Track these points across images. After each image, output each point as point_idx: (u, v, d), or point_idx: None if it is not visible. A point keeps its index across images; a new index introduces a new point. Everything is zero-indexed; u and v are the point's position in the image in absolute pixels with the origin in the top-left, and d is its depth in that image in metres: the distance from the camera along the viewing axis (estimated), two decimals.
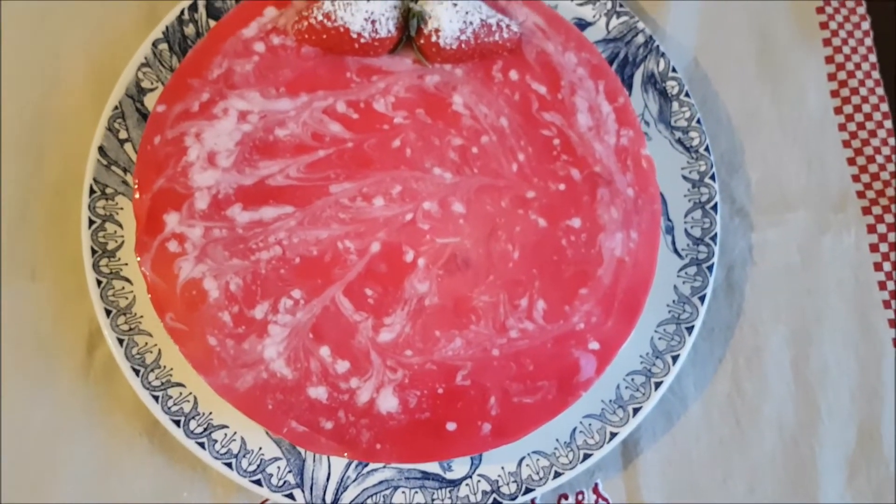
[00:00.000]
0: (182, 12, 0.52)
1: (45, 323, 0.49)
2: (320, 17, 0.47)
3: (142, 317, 0.47)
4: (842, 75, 0.55)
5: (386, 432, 0.42)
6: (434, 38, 0.47)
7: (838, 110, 0.55)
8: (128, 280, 0.47)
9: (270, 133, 0.46)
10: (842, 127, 0.54)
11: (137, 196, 0.45)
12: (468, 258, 0.45)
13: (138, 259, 0.44)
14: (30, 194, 0.51)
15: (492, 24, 0.47)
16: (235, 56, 0.48)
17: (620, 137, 0.48)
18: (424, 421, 0.43)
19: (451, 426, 0.43)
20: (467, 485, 0.45)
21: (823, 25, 0.56)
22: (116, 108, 0.50)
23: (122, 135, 0.50)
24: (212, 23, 0.52)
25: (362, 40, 0.47)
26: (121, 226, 0.48)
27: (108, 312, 0.47)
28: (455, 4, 0.47)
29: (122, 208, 0.49)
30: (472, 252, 0.45)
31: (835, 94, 0.55)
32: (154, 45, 0.51)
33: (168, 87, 0.47)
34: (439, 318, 0.44)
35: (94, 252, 0.48)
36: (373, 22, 0.47)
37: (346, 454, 0.43)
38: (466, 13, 0.47)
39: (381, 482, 0.45)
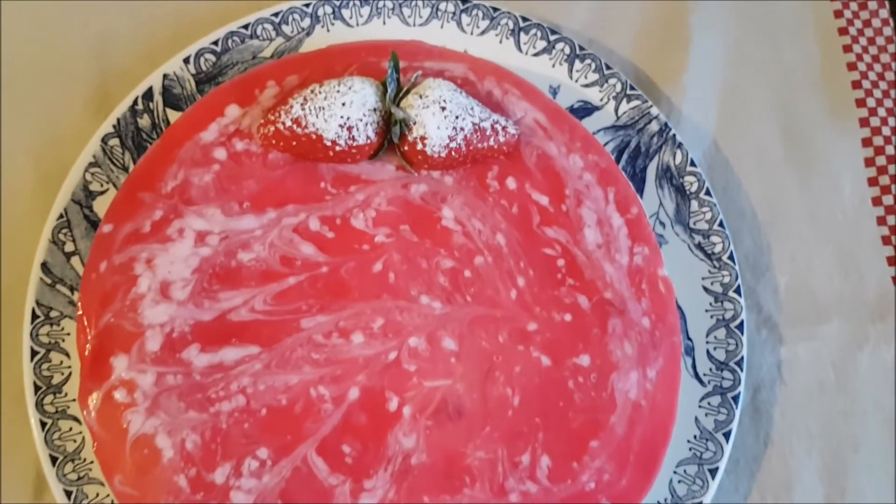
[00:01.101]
0: (136, 101, 0.46)
1: None
2: (289, 123, 0.41)
3: (91, 463, 0.41)
4: (881, 160, 0.49)
5: None
6: (420, 146, 0.41)
7: (877, 201, 0.49)
8: (76, 419, 0.42)
9: (233, 257, 0.40)
10: (881, 221, 0.49)
11: (82, 334, 0.40)
12: (461, 405, 0.39)
13: (83, 410, 0.39)
14: None
15: (486, 127, 0.41)
16: (193, 165, 0.42)
17: (634, 256, 0.42)
18: None
19: None
20: None
21: (860, 103, 0.50)
22: (61, 216, 0.44)
23: (69, 247, 0.44)
24: (170, 113, 0.46)
25: (337, 148, 0.41)
26: (67, 355, 0.42)
27: (53, 460, 0.41)
28: (443, 108, 0.40)
29: (68, 334, 0.43)
30: (466, 398, 0.39)
31: (873, 181, 0.49)
32: (104, 140, 0.45)
33: (115, 203, 0.41)
34: (428, 479, 0.38)
35: (37, 388, 0.42)
36: (349, 128, 0.41)
37: None
38: (456, 117, 0.41)
39: None
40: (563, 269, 0.41)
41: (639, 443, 0.39)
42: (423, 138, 0.41)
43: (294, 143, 0.41)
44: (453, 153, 0.41)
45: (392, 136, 0.41)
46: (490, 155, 0.42)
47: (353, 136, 0.41)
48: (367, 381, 0.39)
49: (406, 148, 0.41)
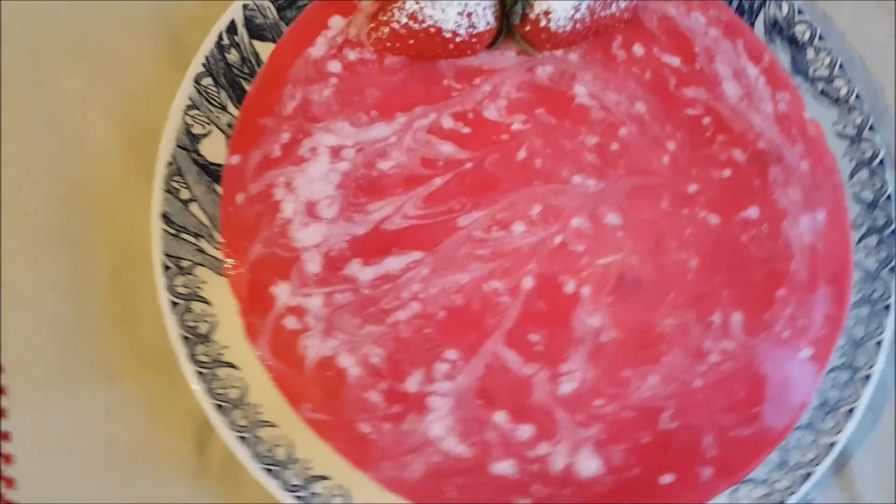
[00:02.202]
0: (220, 37, 0.43)
1: (137, 430, 0.42)
2: (404, 20, 0.39)
3: (260, 406, 0.39)
4: None
5: (591, 498, 0.36)
6: (543, 23, 0.39)
7: None
8: (232, 366, 0.40)
9: (373, 168, 0.39)
10: None
11: (232, 270, 0.38)
12: (638, 277, 0.38)
13: (254, 346, 0.37)
14: (84, 289, 0.43)
15: None
16: (308, 82, 0.40)
17: (777, 103, 0.41)
18: (634, 478, 0.36)
19: (666, 479, 0.36)
20: None
21: None
22: (170, 163, 0.41)
23: (184, 194, 0.41)
24: (256, 44, 0.44)
25: (458, 39, 0.39)
26: (208, 303, 0.40)
27: (219, 408, 0.39)
28: None
29: (204, 282, 0.40)
30: (642, 269, 0.38)
31: None
32: (197, 81, 0.43)
33: (237, 133, 0.39)
34: (624, 354, 0.37)
35: (185, 339, 0.40)
36: (468, 15, 0.39)
37: None
38: None
39: None
40: (710, 127, 0.40)
41: (823, 284, 0.38)
42: (546, 13, 0.39)
43: (411, 42, 0.39)
44: (577, 25, 0.40)
45: (513, 18, 0.40)
46: (611, 24, 0.41)
47: (473, 24, 0.39)
48: (538, 268, 0.38)
49: (528, 28, 0.40)
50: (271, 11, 0.44)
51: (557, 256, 0.38)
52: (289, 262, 0.37)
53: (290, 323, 0.37)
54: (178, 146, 0.42)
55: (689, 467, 0.36)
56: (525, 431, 0.36)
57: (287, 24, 0.44)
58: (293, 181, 0.38)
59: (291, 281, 0.37)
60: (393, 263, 0.37)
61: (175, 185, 0.41)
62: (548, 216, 0.38)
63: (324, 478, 0.39)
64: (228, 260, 0.38)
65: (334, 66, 0.40)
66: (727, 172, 0.39)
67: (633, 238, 0.38)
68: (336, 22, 0.40)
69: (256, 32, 0.44)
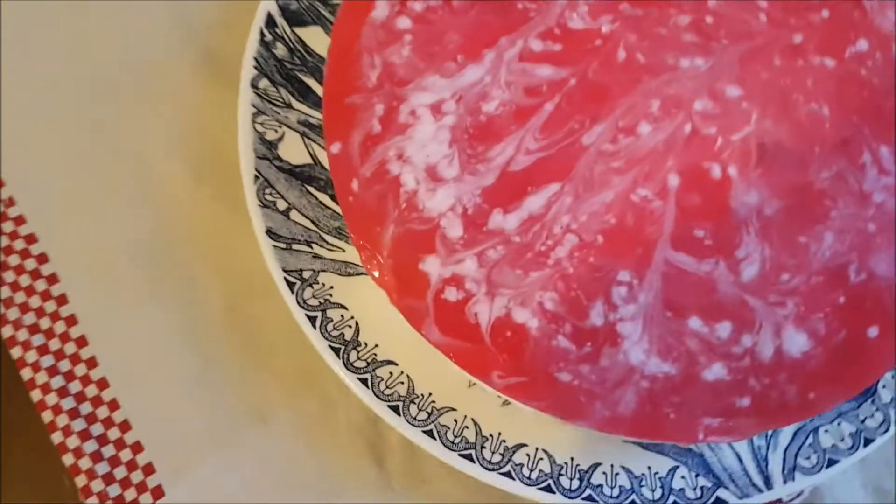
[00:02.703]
0: (262, 34, 0.41)
1: (306, 462, 0.40)
2: None
3: (430, 396, 0.37)
4: None
5: (810, 375, 0.34)
6: None
7: None
8: (391, 362, 0.38)
9: (478, 113, 0.36)
10: None
11: (371, 262, 0.35)
12: (778, 141, 0.37)
13: (421, 332, 0.35)
14: (202, 331, 0.41)
15: None
16: (383, 46, 0.37)
17: None
18: (843, 342, 0.35)
19: (872, 332, 0.35)
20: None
21: None
22: (257, 176, 0.39)
23: (281, 205, 0.39)
24: (300, 31, 0.41)
25: None
26: (343, 307, 0.38)
27: (394, 410, 0.37)
28: None
29: (332, 286, 0.38)
30: (778, 132, 0.37)
31: None
32: (254, 85, 0.40)
33: (328, 120, 0.37)
34: (792, 221, 0.35)
35: (335, 350, 0.37)
36: None
37: (770, 426, 0.35)
38: None
39: (796, 432, 0.38)
40: None
41: None
42: None
43: None
44: None
45: None
46: None
47: None
48: (678, 162, 0.36)
49: None
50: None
51: (692, 145, 0.36)
52: (429, 235, 0.35)
53: (452, 294, 0.35)
54: (259, 157, 0.39)
55: (890, 314, 0.35)
56: (723, 329, 0.34)
57: (322, 2, 0.42)
58: (404, 151, 0.36)
59: (438, 252, 0.35)
60: (533, 203, 0.35)
61: (269, 197, 0.39)
62: (669, 108, 0.37)
63: (523, 445, 0.37)
64: (364, 252, 0.36)
65: (403, 23, 0.37)
66: (825, 13, 0.38)
67: (760, 104, 0.37)
68: None
69: (296, 19, 0.41)
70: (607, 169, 0.36)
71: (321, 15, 0.42)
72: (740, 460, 0.37)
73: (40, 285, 0.41)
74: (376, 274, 0.35)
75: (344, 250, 0.39)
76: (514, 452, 0.37)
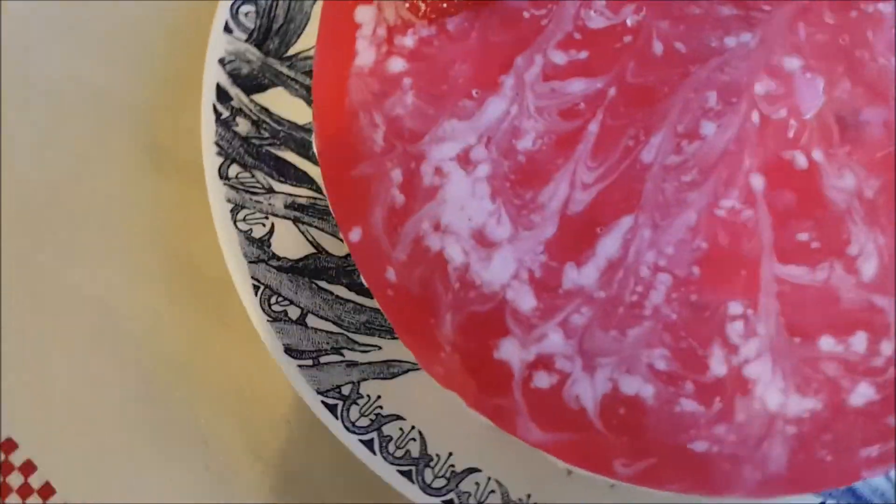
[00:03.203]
0: (215, 110, 0.33)
1: None
2: None
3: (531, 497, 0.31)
4: None
5: None
6: None
7: None
8: (475, 470, 0.31)
9: (515, 154, 0.30)
10: None
11: (434, 364, 0.28)
12: (856, 108, 0.31)
13: (521, 437, 0.28)
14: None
15: None
16: (380, 98, 0.30)
17: None
18: None
19: None
20: None
21: None
22: (256, 286, 0.32)
23: (294, 312, 0.32)
24: (259, 98, 0.34)
25: None
26: (401, 417, 0.31)
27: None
28: None
29: (378, 397, 0.32)
30: (853, 98, 0.31)
31: None
32: (223, 175, 0.33)
33: (337, 205, 0.30)
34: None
35: (407, 475, 0.31)
36: None
37: None
38: None
39: None
40: None
41: None
42: None
43: None
44: None
45: None
46: None
47: None
48: (756, 160, 0.30)
49: None
50: (252, 52, 0.34)
51: (766, 135, 0.31)
52: (496, 314, 0.29)
53: (542, 380, 0.28)
54: (252, 261, 0.32)
55: None
56: (859, 342, 0.29)
57: (278, 58, 0.35)
58: (440, 219, 0.29)
59: (513, 332, 0.28)
60: (608, 246, 0.29)
61: (277, 307, 0.32)
62: (728, 98, 0.31)
63: None
64: (420, 352, 0.29)
65: (397, 65, 0.30)
66: None
67: (824, 70, 0.32)
68: (365, 14, 0.31)
69: (251, 85, 0.34)
70: (680, 185, 0.30)
71: (279, 73, 0.34)
72: (888, 477, 0.33)
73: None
74: (441, 373, 0.29)
75: (380, 347, 0.33)
76: None
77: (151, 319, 0.34)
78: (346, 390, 0.31)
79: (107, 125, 0.35)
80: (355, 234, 0.29)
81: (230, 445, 0.33)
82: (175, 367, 0.34)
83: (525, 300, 0.29)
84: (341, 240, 0.33)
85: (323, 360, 0.32)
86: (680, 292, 0.29)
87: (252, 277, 0.32)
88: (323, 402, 0.31)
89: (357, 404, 0.31)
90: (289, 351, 0.31)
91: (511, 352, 0.28)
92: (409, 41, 0.31)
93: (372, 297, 0.33)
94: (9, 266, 0.34)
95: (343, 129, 0.30)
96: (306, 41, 0.35)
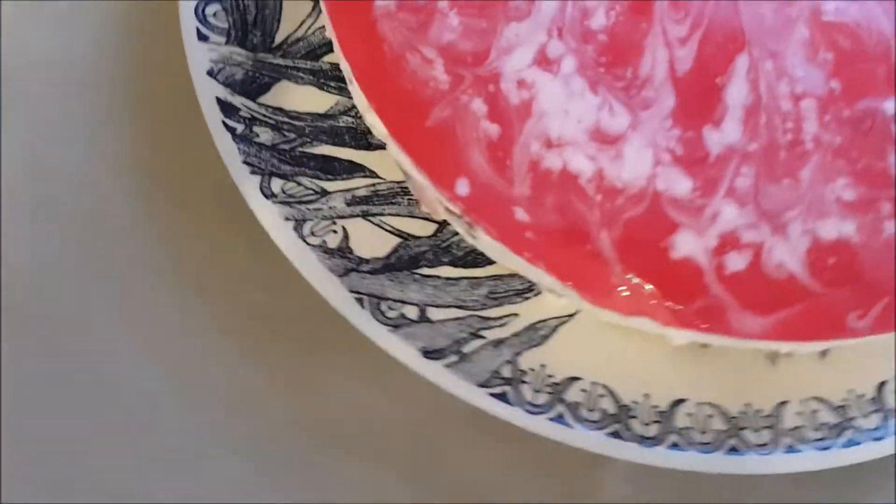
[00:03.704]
0: (229, 129, 0.28)
1: None
2: None
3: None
4: None
5: None
6: None
7: None
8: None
9: (594, 36, 0.25)
10: None
11: (609, 294, 0.24)
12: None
13: (740, 335, 0.24)
14: None
15: None
16: (421, 31, 0.25)
17: None
18: None
19: None
20: None
21: None
22: (359, 298, 0.26)
23: (412, 312, 0.27)
24: (266, 99, 0.29)
25: None
26: (578, 378, 0.27)
27: None
28: None
29: (542, 366, 0.27)
30: None
31: None
32: (267, 194, 0.27)
33: (426, 163, 0.25)
34: None
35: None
36: None
37: None
38: None
39: None
40: None
41: None
42: None
43: None
44: None
45: None
46: None
47: None
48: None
49: None
50: (239, 53, 0.29)
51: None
52: (654, 212, 0.24)
53: (737, 261, 0.24)
54: (342, 274, 0.27)
55: None
56: None
57: (268, 51, 0.29)
58: (548, 133, 0.24)
59: (683, 223, 0.24)
60: (736, 94, 0.25)
61: (391, 313, 0.27)
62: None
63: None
64: (586, 290, 0.24)
65: None
66: None
67: None
68: None
69: (252, 88, 0.29)
70: (776, 5, 0.26)
71: (277, 67, 0.29)
72: None
73: None
74: (621, 302, 0.24)
75: (517, 314, 0.28)
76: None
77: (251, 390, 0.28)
78: (506, 372, 0.27)
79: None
80: (462, 187, 0.24)
81: None
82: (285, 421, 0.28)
83: (679, 183, 0.24)
84: (422, 218, 0.28)
85: (466, 349, 0.27)
86: (830, 112, 0.25)
87: (350, 291, 0.27)
88: (490, 394, 0.26)
89: (525, 382, 0.27)
90: (427, 354, 0.26)
91: (689, 245, 0.24)
92: None
93: (481, 265, 0.28)
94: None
95: (394, 80, 0.25)
96: (290, 24, 0.30)
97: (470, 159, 0.25)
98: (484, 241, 0.26)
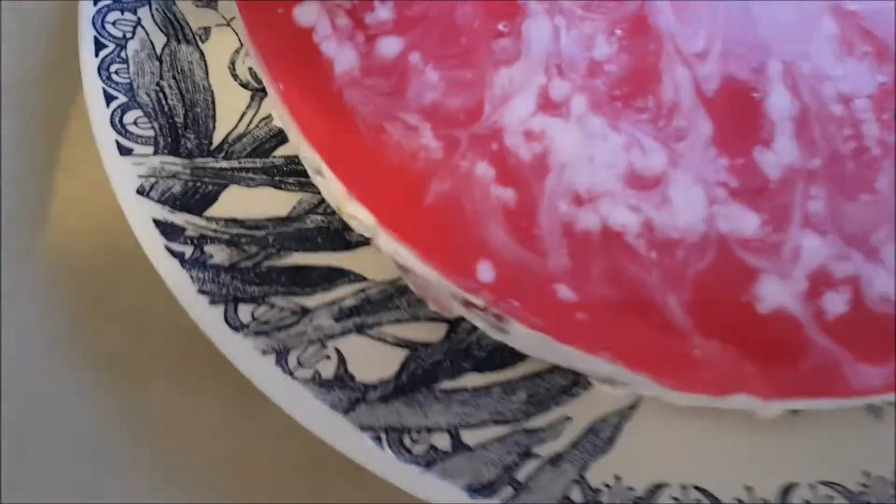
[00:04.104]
0: (180, 259, 0.22)
1: None
2: None
3: None
4: None
5: None
6: None
7: None
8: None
9: (600, 68, 0.21)
10: None
11: None
12: None
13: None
14: None
15: None
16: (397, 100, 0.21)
17: None
18: None
19: None
20: None
21: None
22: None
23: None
24: (216, 211, 0.23)
25: None
26: None
27: None
28: None
29: None
30: None
31: None
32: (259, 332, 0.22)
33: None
34: None
35: None
36: None
37: None
38: None
39: None
40: None
41: None
42: None
43: None
44: None
45: None
46: None
47: None
48: None
49: None
50: (172, 162, 0.24)
51: None
52: (727, 259, 0.19)
53: (837, 303, 0.19)
54: (348, 409, 0.21)
55: None
56: None
57: (208, 156, 0.25)
58: (576, 188, 0.20)
59: (763, 268, 0.19)
60: (778, 106, 0.21)
61: (419, 447, 0.21)
62: None
63: None
64: (670, 372, 0.19)
65: (392, 46, 0.21)
66: None
67: None
68: (308, 13, 0.22)
69: (194, 201, 0.24)
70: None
71: (220, 171, 0.24)
72: None
73: None
74: (709, 378, 0.19)
75: (569, 417, 0.22)
76: None
77: None
78: (577, 496, 0.21)
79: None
80: (485, 273, 0.19)
81: None
82: None
83: (744, 220, 0.20)
84: (430, 319, 0.23)
85: (521, 476, 0.21)
86: (885, 108, 0.22)
87: (361, 428, 0.21)
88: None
89: (601, 502, 0.21)
90: (474, 491, 0.21)
91: (777, 292, 0.19)
92: (384, 13, 0.22)
93: (511, 364, 0.23)
94: None
95: (375, 157, 0.20)
96: (227, 120, 0.25)
97: (487, 236, 0.20)
98: (518, 335, 0.20)
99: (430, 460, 0.21)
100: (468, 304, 0.21)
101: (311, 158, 0.22)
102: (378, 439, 0.21)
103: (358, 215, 0.21)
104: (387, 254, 0.21)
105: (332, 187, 0.21)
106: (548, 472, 0.21)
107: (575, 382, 0.23)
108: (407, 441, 0.21)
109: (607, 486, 0.21)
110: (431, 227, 0.20)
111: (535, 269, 0.20)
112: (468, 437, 0.22)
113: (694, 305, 0.19)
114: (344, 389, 0.22)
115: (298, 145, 0.22)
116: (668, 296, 0.19)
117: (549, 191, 0.20)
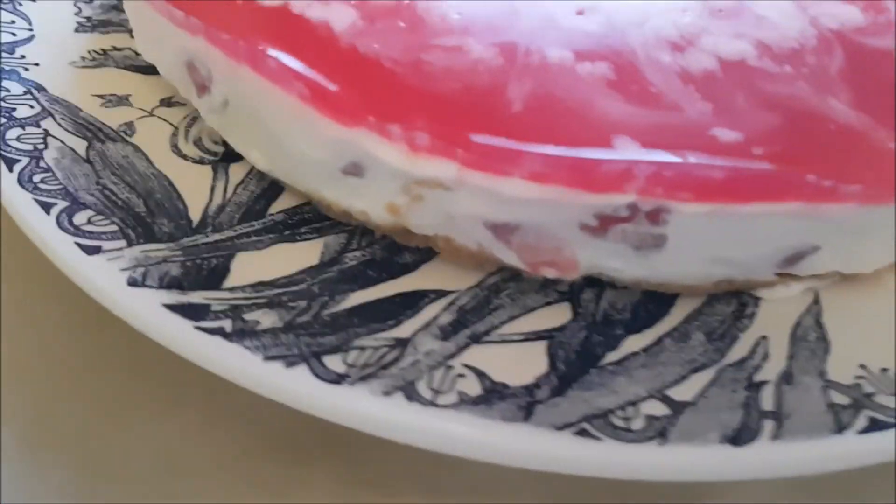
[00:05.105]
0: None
1: None
2: None
3: None
4: None
5: None
6: None
7: None
8: None
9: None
10: None
11: None
12: None
13: None
14: None
15: None
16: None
17: None
18: None
19: None
20: None
21: None
22: None
23: None
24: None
25: None
26: None
27: None
28: None
29: None
30: None
31: None
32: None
33: None
34: None
35: None
36: None
37: None
38: None
39: None
40: None
41: None
42: None
43: None
44: None
45: None
46: None
47: None
48: None
49: None
50: (158, 249, 0.18)
51: None
52: None
53: None
54: (526, 418, 0.15)
55: None
56: None
57: (195, 233, 0.19)
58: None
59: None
60: None
61: None
62: None
63: None
64: None
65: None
66: None
67: None
68: None
69: (205, 278, 0.18)
70: None
71: (219, 243, 0.19)
72: None
73: None
74: None
75: (765, 337, 0.18)
76: None
77: None
78: (839, 398, 0.16)
79: None
80: (629, 150, 0.15)
81: None
82: None
83: (847, 13, 0.17)
84: (545, 304, 0.18)
85: (766, 405, 0.15)
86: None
87: (559, 429, 0.14)
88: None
89: (870, 393, 0.16)
90: (733, 440, 0.15)
91: None
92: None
93: (663, 314, 0.18)
94: None
95: (427, 88, 0.16)
96: (197, 197, 0.20)
97: (606, 113, 0.16)
98: (681, 230, 0.16)
99: (660, 430, 0.15)
100: (607, 224, 0.16)
101: (333, 161, 0.17)
102: (583, 432, 0.15)
103: (432, 172, 0.16)
104: (476, 219, 0.17)
105: (382, 172, 0.17)
106: (791, 392, 0.16)
107: (742, 304, 0.19)
108: (617, 422, 0.15)
109: (860, 377, 0.17)
110: (534, 134, 0.16)
111: (676, 124, 0.16)
112: (678, 394, 0.16)
113: (858, 101, 0.16)
114: (505, 399, 0.16)
115: (304, 152, 0.17)
116: (828, 100, 0.16)
117: (641, 49, 0.17)
